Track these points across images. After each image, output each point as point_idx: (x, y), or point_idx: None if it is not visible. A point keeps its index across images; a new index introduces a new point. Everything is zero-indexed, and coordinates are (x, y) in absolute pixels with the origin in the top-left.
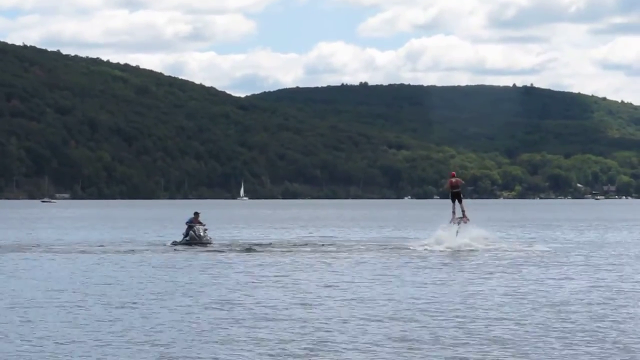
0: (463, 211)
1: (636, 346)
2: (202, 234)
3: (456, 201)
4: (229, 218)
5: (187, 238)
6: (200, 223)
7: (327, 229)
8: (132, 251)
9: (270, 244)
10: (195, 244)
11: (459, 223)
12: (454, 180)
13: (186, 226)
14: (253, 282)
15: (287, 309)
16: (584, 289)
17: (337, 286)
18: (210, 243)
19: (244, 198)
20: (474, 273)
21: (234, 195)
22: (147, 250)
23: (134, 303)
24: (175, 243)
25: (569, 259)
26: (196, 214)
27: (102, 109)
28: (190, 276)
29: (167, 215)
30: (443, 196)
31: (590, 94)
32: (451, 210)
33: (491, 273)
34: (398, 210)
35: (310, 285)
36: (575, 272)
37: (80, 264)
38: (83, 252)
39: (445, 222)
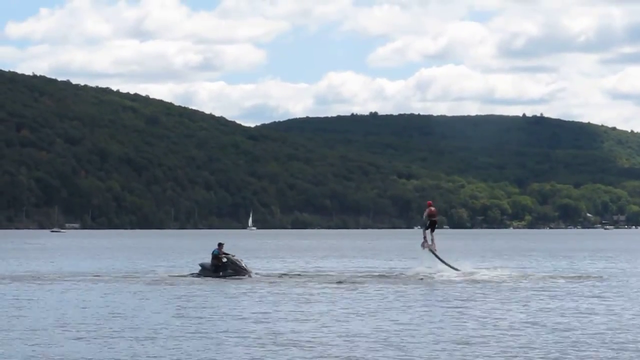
0: (433, 240)
1: None
2: (243, 265)
3: (429, 230)
4: (247, 248)
5: (229, 270)
6: (226, 254)
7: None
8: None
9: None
10: (229, 275)
11: (429, 250)
12: (433, 209)
13: (213, 257)
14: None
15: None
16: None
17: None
18: (250, 273)
19: (252, 228)
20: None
21: (244, 225)
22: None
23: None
24: (199, 274)
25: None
26: (220, 244)
27: (112, 138)
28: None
29: (188, 245)
30: (451, 225)
31: (599, 124)
32: (423, 237)
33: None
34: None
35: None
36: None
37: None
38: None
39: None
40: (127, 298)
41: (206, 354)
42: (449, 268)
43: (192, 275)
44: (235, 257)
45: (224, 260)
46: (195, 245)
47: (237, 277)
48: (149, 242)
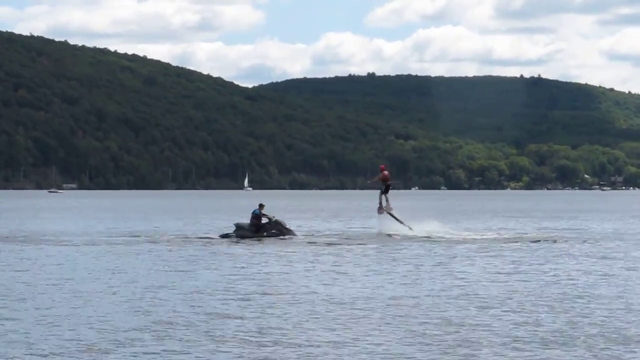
0: (388, 201)
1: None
2: (287, 226)
3: (384, 194)
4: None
5: (273, 231)
6: (264, 215)
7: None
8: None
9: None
10: (273, 235)
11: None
12: (386, 173)
13: (253, 216)
14: None
15: None
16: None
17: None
18: (295, 235)
19: (249, 188)
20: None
21: (241, 186)
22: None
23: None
24: (233, 234)
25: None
26: (261, 205)
27: (110, 99)
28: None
29: (197, 205)
30: (449, 186)
31: (597, 85)
32: (379, 202)
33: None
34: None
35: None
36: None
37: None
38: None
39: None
40: (179, 260)
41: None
42: (405, 227)
43: (226, 235)
44: (277, 218)
45: (266, 220)
46: (203, 205)
47: (281, 237)
48: (156, 203)
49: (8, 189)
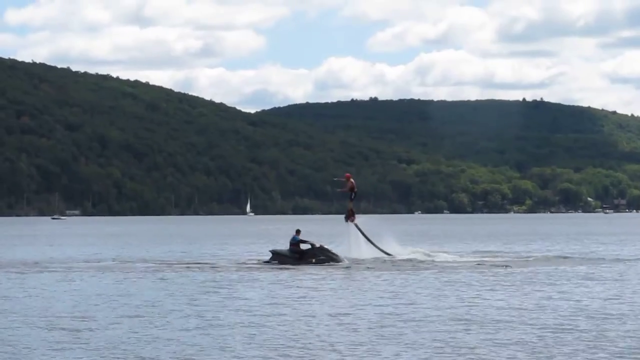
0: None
1: None
2: (334, 253)
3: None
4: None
5: (321, 257)
6: (304, 241)
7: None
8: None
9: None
10: (322, 262)
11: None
12: (353, 181)
13: (292, 244)
14: None
15: None
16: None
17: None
18: (342, 260)
19: (251, 214)
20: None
21: (244, 211)
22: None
23: None
24: (271, 261)
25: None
26: (298, 231)
27: (112, 125)
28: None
29: (216, 231)
30: (452, 210)
31: (600, 108)
32: (347, 210)
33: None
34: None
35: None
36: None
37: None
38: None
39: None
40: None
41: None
42: (371, 245)
43: (265, 262)
44: (321, 244)
45: (307, 246)
46: (223, 230)
47: (330, 264)
48: (172, 229)
49: (11, 215)
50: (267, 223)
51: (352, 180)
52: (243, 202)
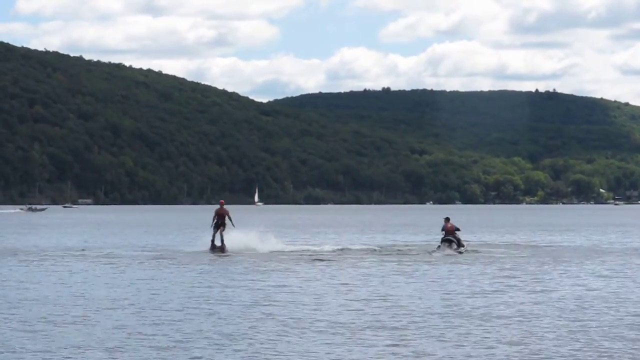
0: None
1: None
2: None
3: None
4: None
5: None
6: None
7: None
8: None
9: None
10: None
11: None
12: (226, 208)
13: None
14: None
15: None
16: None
17: None
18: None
19: (259, 203)
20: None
21: (253, 202)
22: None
23: None
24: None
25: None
26: (447, 219)
27: (125, 114)
28: None
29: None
30: (464, 201)
31: (612, 99)
32: (211, 237)
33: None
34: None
35: None
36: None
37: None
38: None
39: None
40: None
41: None
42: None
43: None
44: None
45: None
46: (281, 220)
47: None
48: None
49: (24, 204)
50: (276, 213)
51: (224, 206)
52: (255, 192)
